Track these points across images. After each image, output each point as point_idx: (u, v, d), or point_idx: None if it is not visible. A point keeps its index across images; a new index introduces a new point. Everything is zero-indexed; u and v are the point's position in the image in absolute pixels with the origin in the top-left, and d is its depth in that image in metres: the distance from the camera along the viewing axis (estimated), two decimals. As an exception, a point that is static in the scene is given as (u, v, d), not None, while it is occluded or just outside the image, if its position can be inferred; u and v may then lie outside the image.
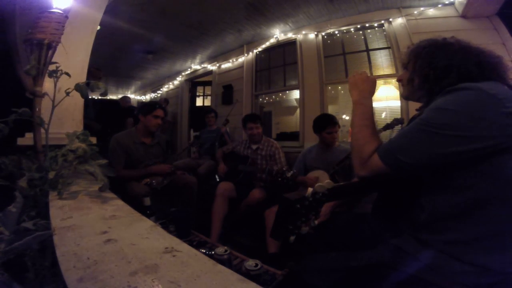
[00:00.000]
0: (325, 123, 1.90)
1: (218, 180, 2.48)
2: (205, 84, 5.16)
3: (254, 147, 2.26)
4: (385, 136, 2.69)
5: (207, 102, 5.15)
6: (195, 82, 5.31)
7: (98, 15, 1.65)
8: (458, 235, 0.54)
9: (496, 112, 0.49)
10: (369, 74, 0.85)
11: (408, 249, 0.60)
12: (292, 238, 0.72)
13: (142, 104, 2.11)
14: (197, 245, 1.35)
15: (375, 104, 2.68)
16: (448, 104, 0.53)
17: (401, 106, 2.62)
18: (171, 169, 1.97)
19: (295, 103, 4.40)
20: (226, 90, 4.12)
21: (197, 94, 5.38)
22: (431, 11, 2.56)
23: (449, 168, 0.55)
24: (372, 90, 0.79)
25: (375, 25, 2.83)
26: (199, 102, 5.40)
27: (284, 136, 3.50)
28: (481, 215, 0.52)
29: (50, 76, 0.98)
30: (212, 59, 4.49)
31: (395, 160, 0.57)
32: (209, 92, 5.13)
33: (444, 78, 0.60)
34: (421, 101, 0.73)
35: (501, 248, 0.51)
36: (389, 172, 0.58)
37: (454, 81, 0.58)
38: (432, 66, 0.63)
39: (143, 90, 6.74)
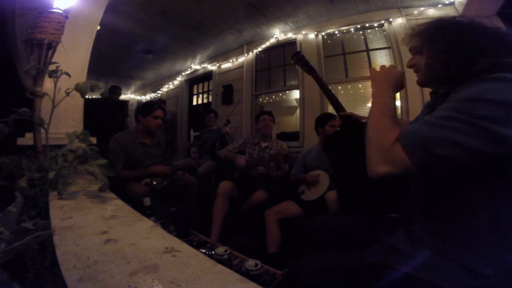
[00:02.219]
0: (328, 117, 1.98)
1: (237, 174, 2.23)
2: (200, 81, 5.14)
3: (263, 145, 2.20)
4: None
5: (203, 101, 5.14)
6: (193, 82, 5.31)
7: (98, 15, 1.65)
8: (452, 235, 0.54)
9: None
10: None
11: (403, 248, 0.60)
12: None
13: (141, 105, 2.08)
14: (197, 245, 1.35)
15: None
16: (491, 94, 0.45)
17: (401, 106, 2.62)
18: (170, 170, 1.96)
19: (295, 103, 4.40)
20: (226, 90, 4.12)
21: (194, 92, 5.37)
22: (431, 11, 2.56)
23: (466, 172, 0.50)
24: (394, 83, 0.70)
25: (375, 25, 2.83)
26: (198, 100, 5.38)
27: (284, 136, 3.50)
28: (476, 216, 0.52)
29: (50, 76, 0.98)
30: (212, 59, 4.48)
31: (429, 154, 0.46)
32: (204, 90, 5.11)
33: (471, 64, 0.53)
34: (440, 88, 0.66)
35: (491, 249, 0.51)
36: (413, 168, 0.48)
37: (485, 69, 0.51)
38: (454, 49, 0.56)
39: (143, 90, 6.74)
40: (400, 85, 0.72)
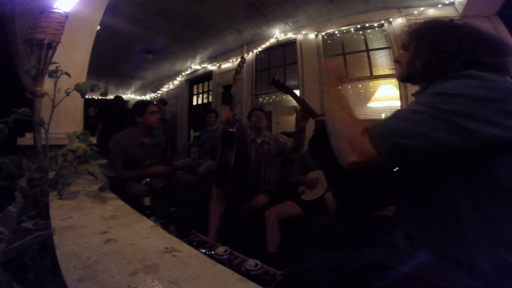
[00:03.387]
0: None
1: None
2: (200, 81, 5.14)
3: (259, 140, 2.14)
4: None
5: (203, 101, 5.14)
6: (193, 82, 5.31)
7: (98, 15, 1.65)
8: (446, 234, 0.54)
9: (498, 109, 0.45)
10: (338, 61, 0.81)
11: (402, 248, 0.60)
12: None
13: (133, 107, 2.08)
14: (197, 245, 1.35)
15: (376, 105, 2.68)
16: (458, 89, 0.48)
17: (401, 106, 2.62)
18: (169, 170, 1.96)
19: (295, 103, 4.40)
20: (226, 90, 4.12)
21: (194, 92, 5.37)
22: (431, 11, 2.56)
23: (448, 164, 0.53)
24: (335, 74, 0.75)
25: (375, 25, 2.84)
26: (198, 100, 5.38)
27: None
28: (465, 214, 0.52)
29: (50, 76, 0.98)
30: (212, 59, 4.49)
31: (394, 144, 0.50)
32: (204, 89, 5.12)
33: (449, 63, 0.57)
34: (419, 85, 0.70)
35: (485, 248, 0.50)
36: (379, 159, 0.52)
37: (459, 67, 0.54)
38: (437, 49, 0.59)
39: (143, 90, 6.74)
40: (339, 75, 0.76)
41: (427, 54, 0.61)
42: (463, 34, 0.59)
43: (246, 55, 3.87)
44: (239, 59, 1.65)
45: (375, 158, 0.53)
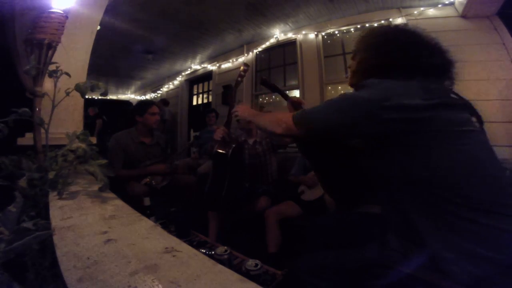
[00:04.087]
0: None
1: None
2: (200, 81, 5.14)
3: (251, 141, 2.13)
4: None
5: (203, 101, 5.14)
6: (193, 82, 5.32)
7: (98, 15, 1.65)
8: (420, 235, 0.55)
9: (368, 111, 0.56)
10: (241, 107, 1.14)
11: (394, 246, 0.61)
12: None
13: (135, 106, 2.08)
14: (197, 245, 1.35)
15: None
16: (353, 94, 0.63)
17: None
18: (168, 168, 1.96)
19: (295, 103, 4.40)
20: (226, 90, 4.12)
21: (194, 92, 5.37)
22: (431, 11, 2.56)
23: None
24: (250, 110, 1.06)
25: (375, 25, 2.83)
26: (198, 100, 5.38)
27: (284, 136, 3.50)
28: (416, 215, 0.56)
29: (50, 76, 0.98)
30: (212, 59, 4.49)
31: (304, 124, 0.67)
32: (204, 89, 5.12)
33: (389, 70, 0.64)
34: None
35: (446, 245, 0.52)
36: (299, 133, 0.69)
37: (399, 74, 0.62)
38: (379, 57, 0.66)
39: (143, 90, 6.74)
40: (250, 111, 1.06)
41: (370, 62, 0.68)
42: (403, 42, 0.64)
43: (246, 55, 3.87)
44: (242, 68, 1.50)
45: (296, 132, 0.70)
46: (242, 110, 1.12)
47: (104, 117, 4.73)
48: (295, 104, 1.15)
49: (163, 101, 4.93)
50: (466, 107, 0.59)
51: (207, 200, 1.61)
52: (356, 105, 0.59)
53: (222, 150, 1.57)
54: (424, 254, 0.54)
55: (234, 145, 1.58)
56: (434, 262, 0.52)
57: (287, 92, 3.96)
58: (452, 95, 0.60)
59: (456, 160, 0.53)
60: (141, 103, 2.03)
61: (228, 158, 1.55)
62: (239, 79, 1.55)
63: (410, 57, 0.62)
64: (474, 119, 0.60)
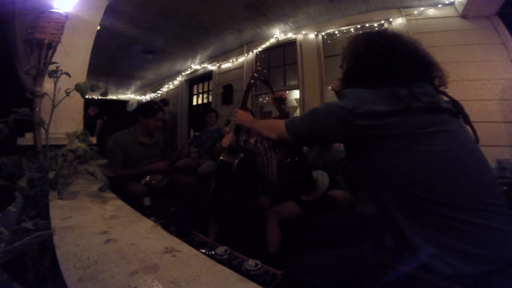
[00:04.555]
0: None
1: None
2: (200, 81, 5.14)
3: (252, 141, 2.11)
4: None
5: (203, 101, 5.14)
6: (193, 82, 5.31)
7: (98, 15, 1.65)
8: (408, 234, 0.56)
9: (342, 119, 0.62)
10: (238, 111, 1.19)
11: (390, 245, 0.61)
12: None
13: (143, 105, 2.06)
14: (197, 245, 1.35)
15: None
16: (330, 103, 0.67)
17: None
18: (168, 166, 1.95)
19: (295, 103, 4.40)
20: (226, 90, 4.12)
21: (194, 92, 5.37)
22: (431, 11, 2.56)
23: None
24: (247, 117, 1.13)
25: (375, 25, 2.83)
26: (198, 100, 5.38)
27: (284, 136, 3.50)
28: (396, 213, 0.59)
29: (50, 76, 0.98)
30: (212, 59, 4.49)
31: (292, 130, 0.75)
32: (204, 89, 5.12)
33: (370, 78, 0.66)
34: None
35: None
36: (290, 138, 0.76)
37: (380, 80, 0.65)
38: (360, 65, 0.69)
39: (143, 90, 6.74)
40: (249, 116, 1.14)
41: (352, 70, 0.72)
42: (377, 51, 0.67)
43: (246, 55, 3.87)
44: (255, 70, 1.36)
45: (287, 138, 0.76)
46: (240, 116, 1.16)
47: (104, 117, 4.74)
48: (277, 98, 1.24)
49: (163, 101, 4.93)
50: (444, 108, 0.60)
51: (208, 209, 1.58)
52: (331, 114, 0.64)
53: (228, 159, 1.48)
54: (414, 253, 0.55)
55: (242, 155, 1.47)
56: (422, 260, 0.53)
57: (287, 92, 3.96)
58: (435, 97, 0.62)
59: (428, 160, 0.55)
60: (149, 105, 2.00)
61: (233, 170, 1.45)
62: (252, 81, 1.44)
63: (384, 65, 0.65)
64: (459, 119, 0.63)
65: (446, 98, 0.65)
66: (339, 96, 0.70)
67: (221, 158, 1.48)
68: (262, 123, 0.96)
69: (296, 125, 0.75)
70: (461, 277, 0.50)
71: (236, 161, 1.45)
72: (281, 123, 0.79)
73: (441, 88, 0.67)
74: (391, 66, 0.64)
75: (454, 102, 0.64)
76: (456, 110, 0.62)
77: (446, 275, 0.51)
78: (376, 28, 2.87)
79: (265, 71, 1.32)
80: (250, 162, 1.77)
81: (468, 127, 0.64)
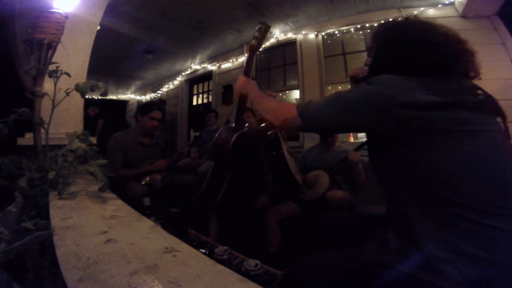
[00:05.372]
0: None
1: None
2: (200, 81, 5.14)
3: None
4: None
5: (203, 101, 5.14)
6: (193, 82, 5.31)
7: (98, 15, 1.65)
8: (417, 232, 0.55)
9: (380, 107, 0.55)
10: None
11: (392, 246, 0.61)
12: None
13: (141, 104, 2.07)
14: (197, 245, 1.35)
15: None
16: (362, 89, 0.60)
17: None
18: (168, 163, 1.95)
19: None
20: (226, 90, 4.12)
21: (194, 92, 5.37)
22: (431, 11, 2.56)
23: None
24: (251, 86, 0.96)
25: (375, 25, 2.83)
26: (198, 100, 5.37)
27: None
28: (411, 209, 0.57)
29: (50, 76, 0.98)
30: (212, 59, 4.49)
31: (314, 118, 0.65)
32: (204, 89, 5.12)
33: (403, 65, 0.62)
34: None
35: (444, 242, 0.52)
36: (302, 126, 0.66)
37: (411, 68, 0.60)
38: (391, 53, 0.65)
39: (143, 90, 6.74)
40: (250, 84, 0.99)
41: (383, 57, 0.67)
42: (416, 37, 0.62)
43: (246, 55, 3.87)
44: (256, 32, 1.09)
45: (296, 125, 0.67)
46: (241, 83, 0.99)
47: (105, 117, 4.74)
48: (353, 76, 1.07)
49: (160, 101, 4.94)
50: (483, 106, 0.56)
51: (199, 203, 1.36)
52: (366, 100, 0.57)
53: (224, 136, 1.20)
54: (421, 254, 0.54)
55: (240, 132, 1.15)
56: (429, 262, 0.52)
57: (287, 92, 3.96)
58: (472, 92, 0.58)
59: (457, 160, 0.52)
60: (147, 103, 2.01)
61: (228, 150, 1.14)
62: (254, 41, 1.11)
63: (419, 54, 0.60)
64: (498, 119, 0.58)
65: (480, 92, 0.60)
66: (358, 82, 0.66)
67: (218, 136, 1.23)
68: (266, 100, 0.82)
69: (315, 111, 0.64)
70: (466, 282, 0.48)
71: (232, 139, 1.16)
72: (290, 107, 0.68)
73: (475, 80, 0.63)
74: (428, 53, 0.59)
75: (490, 99, 0.59)
76: (493, 108, 0.58)
77: (451, 279, 0.49)
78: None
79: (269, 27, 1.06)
80: (253, 140, 1.38)
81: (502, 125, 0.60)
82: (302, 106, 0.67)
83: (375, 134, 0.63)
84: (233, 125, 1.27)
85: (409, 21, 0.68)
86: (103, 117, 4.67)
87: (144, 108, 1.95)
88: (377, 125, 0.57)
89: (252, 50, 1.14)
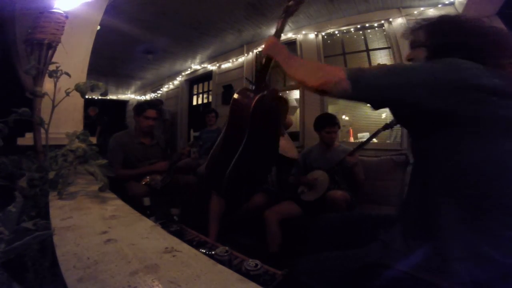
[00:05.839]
0: (325, 123, 1.90)
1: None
2: (200, 81, 5.14)
3: None
4: (385, 135, 2.69)
5: (203, 101, 5.14)
6: (193, 82, 5.31)
7: (98, 15, 1.65)
8: (435, 230, 0.55)
9: (457, 80, 0.52)
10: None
11: (396, 247, 0.60)
12: None
13: (136, 104, 2.07)
14: (197, 245, 1.35)
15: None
16: (428, 65, 0.58)
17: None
18: (168, 165, 1.95)
19: (295, 103, 4.40)
20: (226, 90, 4.12)
21: (194, 92, 5.37)
22: (431, 11, 2.56)
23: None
24: (281, 48, 0.86)
25: (375, 25, 2.83)
26: (198, 100, 5.37)
27: (284, 136, 3.49)
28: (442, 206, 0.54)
29: (50, 76, 0.98)
30: (212, 59, 4.48)
31: (366, 82, 0.58)
32: (204, 89, 5.12)
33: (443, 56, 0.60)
34: None
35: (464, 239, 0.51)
36: (350, 93, 0.58)
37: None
38: (450, 45, 0.61)
39: (143, 90, 6.74)
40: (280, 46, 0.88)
41: (441, 49, 0.62)
42: (473, 29, 0.61)
43: (246, 55, 3.87)
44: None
45: (342, 90, 0.59)
46: (270, 43, 0.89)
47: (105, 117, 4.74)
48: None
49: (157, 101, 4.94)
50: None
51: (207, 176, 1.13)
52: (434, 75, 0.53)
53: (243, 97, 0.99)
54: (430, 253, 0.53)
55: (262, 94, 0.98)
56: (439, 260, 0.51)
57: (287, 92, 3.97)
58: None
59: (503, 159, 0.50)
60: (142, 103, 2.02)
61: (247, 111, 0.94)
62: (291, 2, 1.02)
63: (477, 44, 0.59)
64: None
65: None
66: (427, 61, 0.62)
67: (234, 97, 1.03)
68: (301, 61, 0.74)
69: (373, 78, 0.57)
70: (468, 283, 0.48)
71: (253, 100, 0.95)
72: (334, 68, 0.62)
73: None
74: (486, 44, 0.58)
75: None
76: None
77: (457, 280, 0.49)
78: (376, 28, 2.87)
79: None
80: (271, 108, 1.11)
81: None
82: (353, 70, 0.60)
83: (434, 115, 0.56)
84: (252, 87, 1.10)
85: (463, 16, 0.67)
86: (100, 123, 4.66)
87: (138, 108, 1.96)
88: (446, 104, 0.52)
89: (289, 12, 1.06)
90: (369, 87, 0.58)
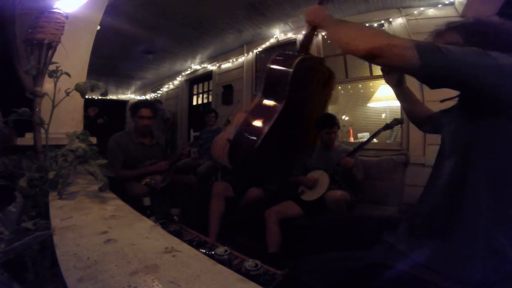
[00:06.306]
0: (324, 123, 1.90)
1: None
2: (200, 81, 5.14)
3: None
4: (385, 135, 2.69)
5: (203, 101, 5.14)
6: (193, 82, 5.31)
7: (98, 15, 1.65)
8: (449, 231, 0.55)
9: None
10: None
11: (401, 247, 0.60)
12: None
13: (131, 105, 2.06)
14: (197, 245, 1.35)
15: (376, 105, 2.68)
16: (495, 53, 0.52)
17: (401, 106, 2.62)
18: (168, 165, 1.95)
19: (295, 103, 4.40)
20: (226, 90, 4.12)
21: (194, 92, 5.37)
22: (431, 11, 2.56)
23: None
24: (325, 14, 0.81)
25: (375, 25, 2.83)
26: (198, 100, 5.37)
27: (284, 136, 3.49)
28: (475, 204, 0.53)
29: (50, 76, 0.98)
30: (212, 59, 4.49)
31: (437, 57, 0.50)
32: (204, 89, 5.12)
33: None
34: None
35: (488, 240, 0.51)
36: (414, 63, 0.50)
37: None
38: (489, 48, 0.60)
39: (143, 90, 6.74)
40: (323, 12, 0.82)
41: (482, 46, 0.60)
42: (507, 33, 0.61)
43: (246, 55, 3.87)
44: None
45: (406, 61, 0.51)
46: (314, 10, 0.82)
47: (105, 117, 4.74)
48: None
49: (155, 101, 4.94)
50: None
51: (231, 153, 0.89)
52: (504, 61, 0.51)
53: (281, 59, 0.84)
54: (437, 252, 0.53)
55: (304, 56, 0.84)
56: (446, 260, 0.51)
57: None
58: None
59: None
60: (135, 103, 2.01)
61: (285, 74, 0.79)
62: None
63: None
64: None
65: None
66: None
67: (269, 66, 0.85)
68: (355, 25, 0.66)
69: (448, 51, 0.50)
70: (469, 285, 0.48)
71: (297, 59, 0.81)
72: (400, 38, 0.54)
73: None
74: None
75: None
76: None
77: (462, 279, 0.49)
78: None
79: None
80: (312, 73, 0.95)
81: None
82: (421, 42, 0.53)
83: (486, 102, 0.54)
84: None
85: (498, 20, 0.67)
86: (103, 117, 4.67)
87: (133, 108, 1.96)
88: (498, 92, 0.51)
89: None
90: (446, 60, 0.50)
